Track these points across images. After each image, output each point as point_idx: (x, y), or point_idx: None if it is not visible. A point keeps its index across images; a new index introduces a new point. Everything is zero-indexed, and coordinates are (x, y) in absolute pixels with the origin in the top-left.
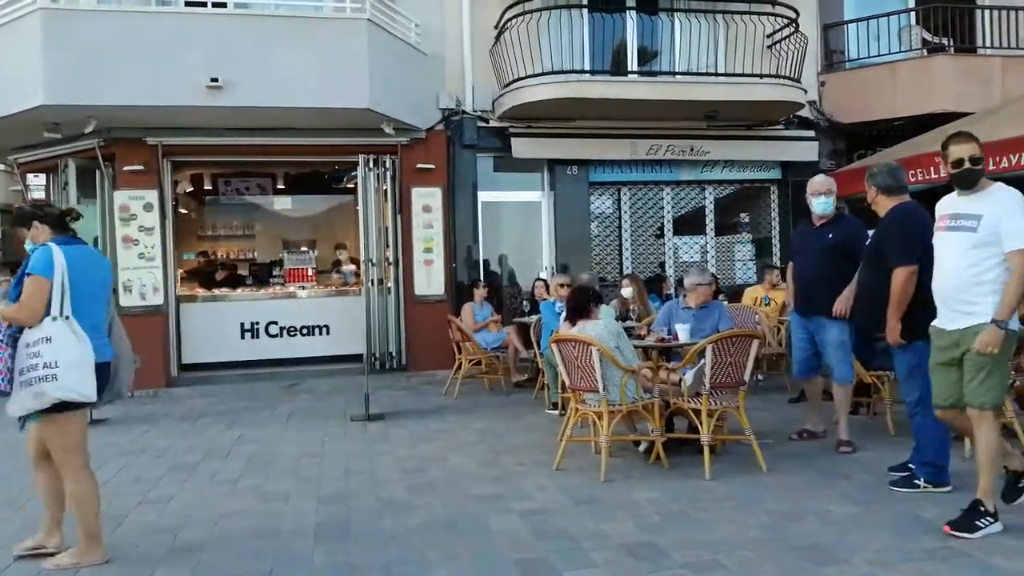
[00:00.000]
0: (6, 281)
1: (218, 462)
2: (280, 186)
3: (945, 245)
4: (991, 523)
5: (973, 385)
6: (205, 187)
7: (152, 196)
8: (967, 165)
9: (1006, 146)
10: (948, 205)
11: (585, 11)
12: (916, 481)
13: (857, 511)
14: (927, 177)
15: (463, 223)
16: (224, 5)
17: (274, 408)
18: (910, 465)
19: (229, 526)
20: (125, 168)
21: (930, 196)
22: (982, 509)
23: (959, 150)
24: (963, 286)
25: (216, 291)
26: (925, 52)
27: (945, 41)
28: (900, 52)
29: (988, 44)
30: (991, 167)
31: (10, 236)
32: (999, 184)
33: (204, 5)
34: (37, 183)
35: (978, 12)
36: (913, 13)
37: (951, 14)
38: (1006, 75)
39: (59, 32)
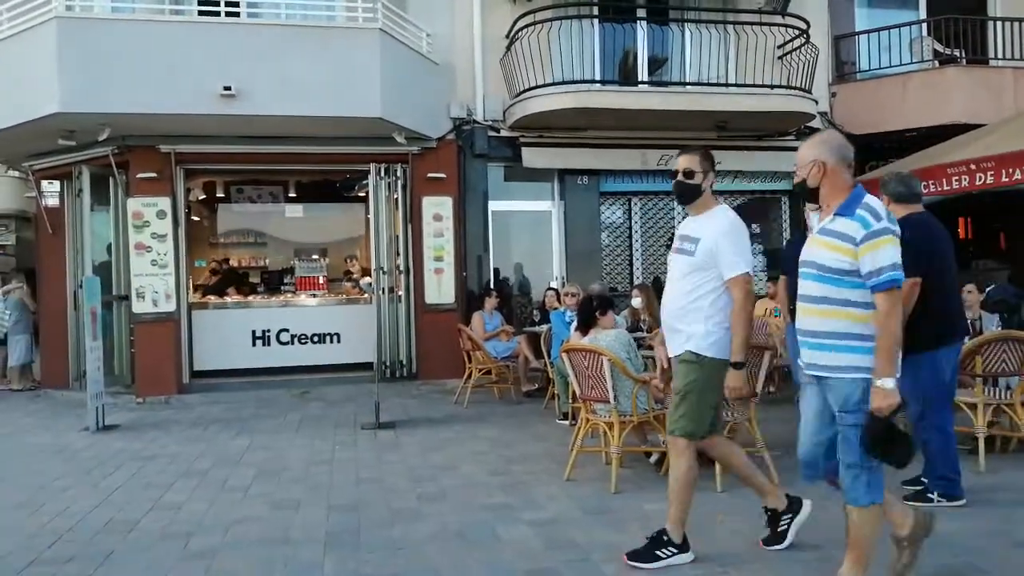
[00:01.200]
0: (19, 288)
1: (229, 469)
2: (292, 194)
3: (671, 267)
4: (674, 554)
5: (671, 411)
6: (217, 194)
7: (165, 203)
8: (679, 177)
9: (1019, 158)
10: (681, 226)
11: (596, 21)
12: (929, 495)
13: None
14: (939, 189)
15: (473, 232)
16: (237, 14)
17: (285, 415)
18: (923, 479)
19: (240, 533)
20: (139, 175)
21: (946, 207)
22: (665, 539)
23: (678, 162)
24: (679, 311)
25: (228, 298)
26: (937, 63)
27: (957, 52)
28: (912, 63)
29: (1000, 55)
30: (1003, 179)
31: (25, 242)
32: (722, 207)
33: (217, 14)
34: (51, 190)
35: (990, 24)
36: (924, 25)
37: (963, 26)
38: (1019, 86)
39: (74, 40)
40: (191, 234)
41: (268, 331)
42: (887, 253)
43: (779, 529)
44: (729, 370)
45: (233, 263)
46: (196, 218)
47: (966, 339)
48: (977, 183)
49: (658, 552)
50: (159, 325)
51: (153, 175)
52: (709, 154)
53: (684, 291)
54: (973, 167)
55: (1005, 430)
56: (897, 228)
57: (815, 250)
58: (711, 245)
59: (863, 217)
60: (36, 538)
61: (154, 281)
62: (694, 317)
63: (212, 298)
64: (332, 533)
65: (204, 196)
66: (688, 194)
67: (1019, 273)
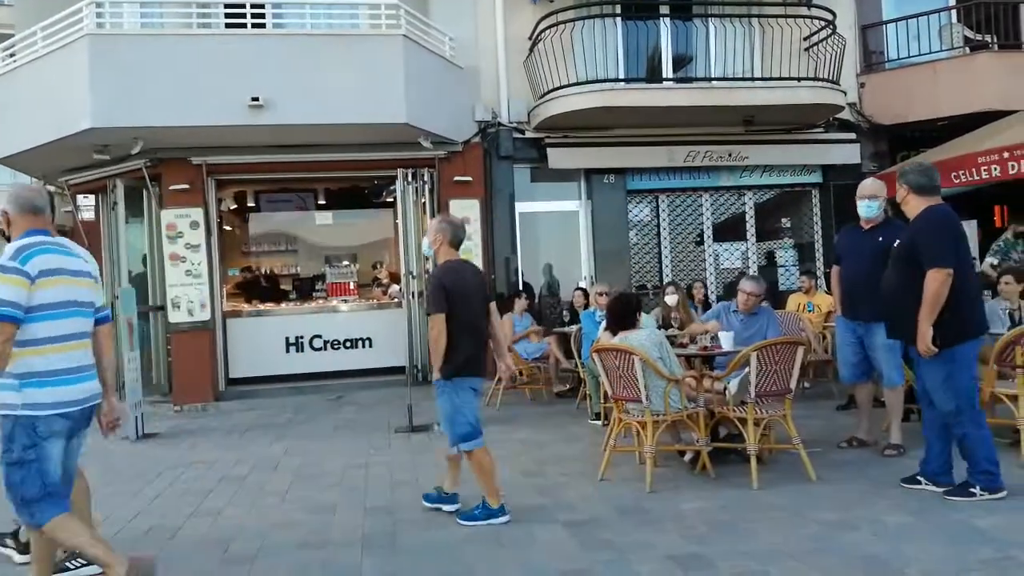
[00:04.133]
0: None
1: (266, 474)
2: (321, 201)
3: None
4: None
5: None
6: (248, 204)
7: (197, 214)
8: None
9: None
10: None
11: (619, 19)
12: (972, 489)
13: (911, 521)
14: (971, 179)
15: (501, 234)
16: (263, 25)
17: (319, 421)
18: (918, 477)
19: (278, 538)
20: (171, 187)
21: (975, 197)
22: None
23: None
24: None
25: (261, 306)
26: (967, 50)
27: (988, 38)
28: (941, 51)
29: None
30: None
31: None
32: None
33: (244, 26)
34: (87, 204)
35: (1022, 7)
36: (954, 11)
37: (993, 10)
38: None
39: (105, 57)
40: (223, 243)
41: (301, 337)
42: None
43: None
44: None
45: (265, 270)
46: (228, 227)
47: (1004, 330)
48: (1011, 172)
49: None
50: (195, 334)
51: (185, 186)
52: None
53: None
54: (1007, 155)
55: None
56: (9, 264)
57: None
58: None
59: None
60: None
61: (188, 291)
62: None
63: (246, 306)
64: (369, 536)
65: (235, 206)
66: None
67: None
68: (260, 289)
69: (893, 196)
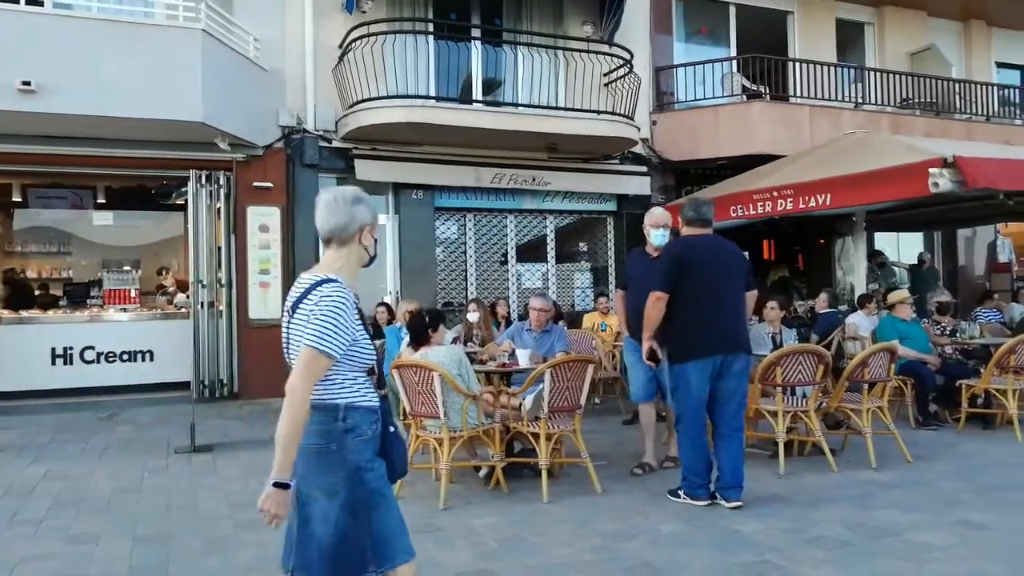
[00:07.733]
0: None
1: (18, 501)
2: (101, 200)
3: None
4: None
5: None
6: (14, 198)
7: None
8: None
9: (814, 187)
10: None
11: (431, 38)
12: (678, 491)
13: (684, 529)
14: (745, 213)
15: (303, 245)
16: (40, 3)
17: (87, 441)
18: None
19: (28, 572)
20: None
21: (748, 231)
22: None
23: None
24: None
25: (24, 313)
26: (744, 98)
27: (762, 89)
28: (723, 97)
29: (799, 93)
30: (801, 205)
31: None
32: None
33: (17, 1)
34: None
35: (790, 64)
36: (734, 62)
37: (767, 64)
38: (814, 122)
39: None
40: None
41: (70, 349)
42: None
43: None
44: None
45: (31, 274)
46: None
47: (768, 352)
48: (779, 209)
49: None
50: None
51: None
52: None
53: None
54: (775, 194)
55: (801, 436)
56: None
57: None
58: None
59: None
60: None
61: None
62: None
63: (5, 313)
64: (136, 567)
65: None
66: None
67: (813, 292)
68: (24, 294)
69: (677, 226)
